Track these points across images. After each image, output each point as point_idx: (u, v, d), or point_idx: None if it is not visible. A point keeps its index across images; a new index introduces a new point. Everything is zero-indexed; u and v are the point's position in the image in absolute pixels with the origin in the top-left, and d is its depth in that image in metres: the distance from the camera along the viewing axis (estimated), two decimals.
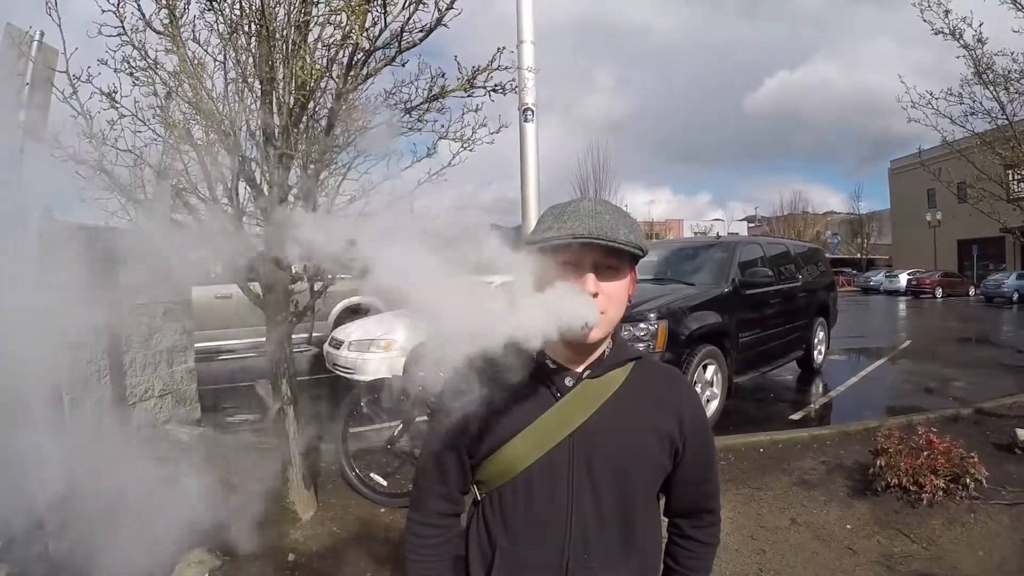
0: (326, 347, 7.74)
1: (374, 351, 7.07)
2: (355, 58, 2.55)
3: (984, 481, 3.73)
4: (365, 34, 2.51)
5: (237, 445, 4.99)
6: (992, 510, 3.62)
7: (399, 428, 3.98)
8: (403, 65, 2.74)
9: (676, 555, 1.28)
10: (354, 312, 9.38)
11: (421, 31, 2.53)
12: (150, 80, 2.89)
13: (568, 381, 1.13)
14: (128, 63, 2.96)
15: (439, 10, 2.42)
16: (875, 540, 3.35)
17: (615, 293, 1.08)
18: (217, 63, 3.01)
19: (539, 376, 1.13)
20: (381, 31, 2.56)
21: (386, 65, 2.65)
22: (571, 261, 1.05)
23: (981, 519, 3.53)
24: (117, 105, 2.87)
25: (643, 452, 1.13)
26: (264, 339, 9.14)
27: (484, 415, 1.12)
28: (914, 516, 3.56)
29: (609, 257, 1.06)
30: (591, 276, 1.04)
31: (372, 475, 4.01)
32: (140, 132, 3.10)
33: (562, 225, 1.04)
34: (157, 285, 5.24)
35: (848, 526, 3.52)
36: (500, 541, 1.14)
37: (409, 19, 2.48)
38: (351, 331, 7.64)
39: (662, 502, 1.27)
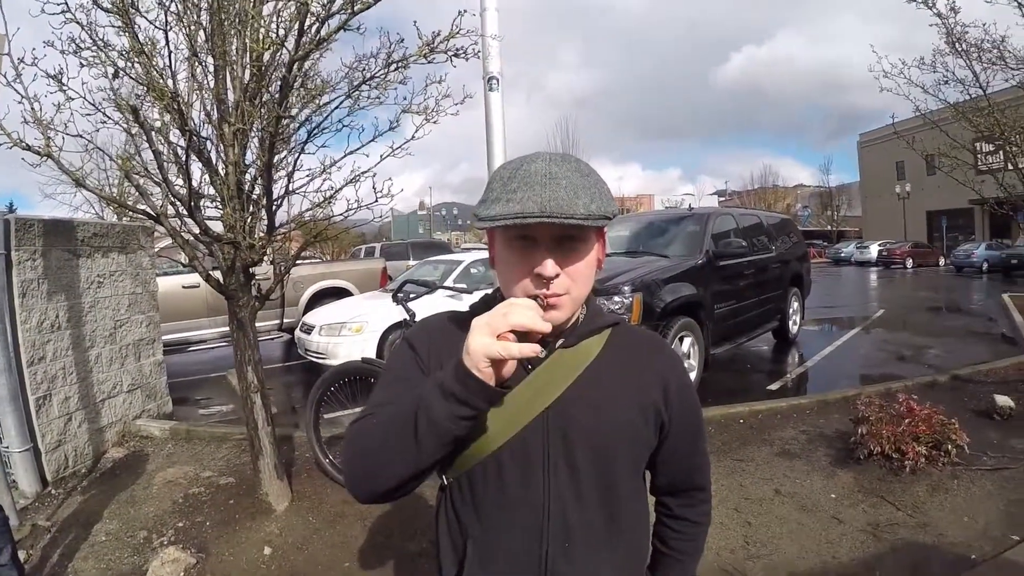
0: (297, 333, 7.66)
1: (345, 335, 7.00)
2: (306, 23, 2.39)
3: (966, 447, 3.74)
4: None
5: (210, 438, 4.86)
6: (975, 475, 3.63)
7: None
8: (358, 30, 2.57)
9: (665, 537, 1.20)
10: (325, 297, 9.26)
11: None
12: (99, 60, 2.70)
13: (540, 352, 1.02)
14: (75, 43, 2.78)
15: None
16: (860, 508, 3.34)
17: (579, 271, 0.96)
18: (167, 37, 2.84)
19: None
20: None
21: (339, 29, 2.49)
22: (525, 236, 0.93)
23: (964, 485, 3.53)
24: (64, 87, 2.68)
25: (626, 426, 1.03)
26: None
27: None
28: (898, 483, 3.55)
29: (570, 230, 0.92)
30: (549, 261, 0.91)
31: None
32: (90, 115, 2.94)
33: (511, 196, 0.91)
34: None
35: (832, 495, 3.50)
36: (472, 530, 1.03)
37: None
38: (321, 316, 7.56)
39: (649, 480, 1.17)
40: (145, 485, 4.00)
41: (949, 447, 3.69)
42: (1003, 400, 4.69)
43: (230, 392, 7.03)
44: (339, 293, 9.49)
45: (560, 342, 1.02)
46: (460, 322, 1.05)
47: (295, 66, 2.51)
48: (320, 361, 7.25)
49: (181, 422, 5.33)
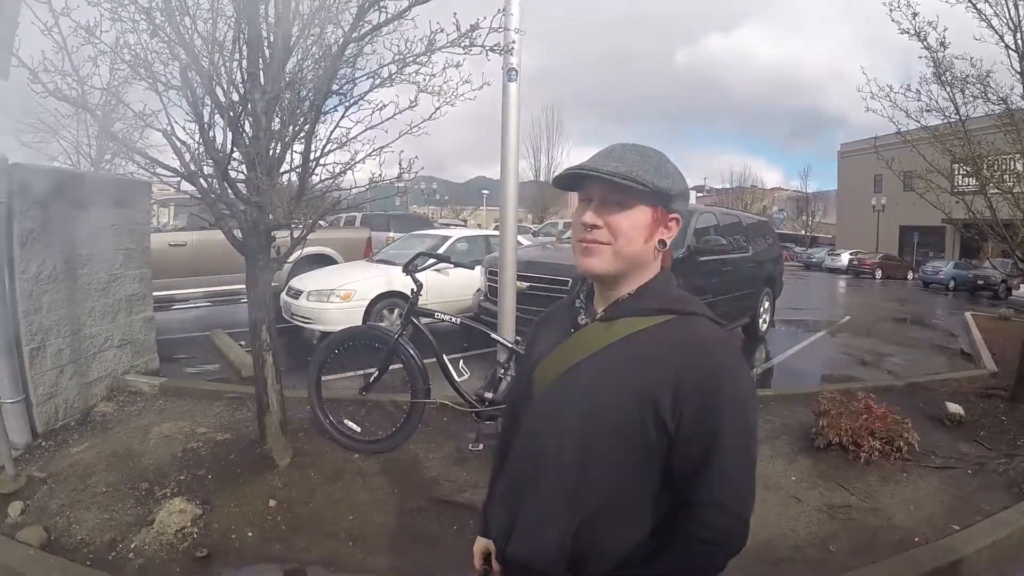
0: (283, 296, 7.70)
1: (334, 301, 7.11)
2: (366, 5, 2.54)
3: (916, 445, 4.08)
4: None
5: (202, 395, 4.97)
6: (923, 471, 3.96)
7: (374, 376, 4.04)
8: (412, 18, 2.74)
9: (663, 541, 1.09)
10: (308, 264, 9.27)
11: None
12: (131, 15, 2.79)
13: (581, 319, 1.18)
14: None
15: None
16: (818, 491, 3.65)
17: (619, 225, 1.08)
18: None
19: (571, 312, 1.22)
20: None
21: (397, 18, 2.66)
22: (585, 196, 1.12)
23: (913, 478, 3.86)
24: (96, 41, 2.77)
25: (613, 408, 1.06)
26: (220, 288, 8.83)
27: (532, 342, 1.31)
28: (852, 472, 3.87)
29: (614, 193, 1.08)
30: (589, 211, 1.09)
31: (346, 421, 4.08)
32: (119, 69, 3.03)
33: (583, 163, 1.11)
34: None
35: (793, 478, 3.81)
36: (510, 448, 1.28)
37: None
38: (309, 281, 7.62)
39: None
40: (141, 439, 4.02)
41: (901, 444, 4.02)
42: (954, 408, 5.02)
43: (214, 352, 7.08)
44: (322, 260, 9.48)
45: (600, 315, 1.15)
46: (558, 307, 1.33)
47: (347, 45, 2.65)
48: (306, 325, 7.37)
49: (172, 378, 5.41)
